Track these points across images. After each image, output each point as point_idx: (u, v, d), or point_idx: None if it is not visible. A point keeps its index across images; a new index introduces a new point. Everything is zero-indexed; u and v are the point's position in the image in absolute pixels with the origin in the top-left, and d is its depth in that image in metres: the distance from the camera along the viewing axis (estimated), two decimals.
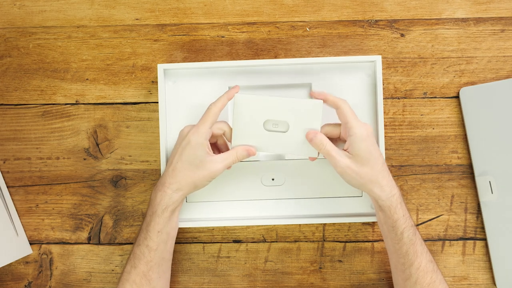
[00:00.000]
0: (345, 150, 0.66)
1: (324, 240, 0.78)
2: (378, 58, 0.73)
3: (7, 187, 0.78)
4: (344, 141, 0.68)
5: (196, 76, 0.76)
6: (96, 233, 0.78)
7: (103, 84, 0.79)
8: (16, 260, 0.78)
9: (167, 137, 0.75)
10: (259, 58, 0.78)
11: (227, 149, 0.71)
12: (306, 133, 0.67)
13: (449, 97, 0.77)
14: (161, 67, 0.74)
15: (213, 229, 0.78)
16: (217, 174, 0.66)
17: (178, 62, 0.78)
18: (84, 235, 0.79)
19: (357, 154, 0.65)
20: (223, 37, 0.78)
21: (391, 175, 0.67)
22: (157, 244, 0.67)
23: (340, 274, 0.77)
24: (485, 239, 0.77)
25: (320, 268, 0.78)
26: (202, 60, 0.78)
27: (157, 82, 0.78)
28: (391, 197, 0.65)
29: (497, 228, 0.75)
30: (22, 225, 0.78)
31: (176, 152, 0.67)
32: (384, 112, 0.77)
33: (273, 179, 0.75)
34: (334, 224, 0.77)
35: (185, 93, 0.76)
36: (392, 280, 0.77)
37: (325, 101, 0.67)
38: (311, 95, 0.68)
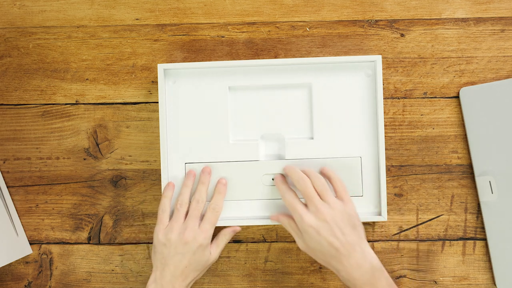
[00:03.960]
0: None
1: None
2: (378, 58, 0.73)
3: (7, 187, 0.79)
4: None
5: (196, 76, 0.76)
6: (96, 233, 0.78)
7: (103, 84, 0.79)
8: (16, 260, 0.78)
9: (167, 137, 0.75)
10: (259, 58, 0.78)
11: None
12: (270, 217, 0.73)
13: (449, 97, 0.77)
14: (161, 67, 0.74)
15: None
16: (217, 254, 0.73)
17: (178, 62, 0.78)
18: (84, 235, 0.79)
19: (307, 243, 0.67)
20: (223, 37, 0.78)
21: (356, 256, 0.65)
22: None
23: None
24: (485, 239, 0.77)
25: (320, 268, 0.78)
26: (202, 60, 0.78)
27: (157, 82, 0.78)
28: (348, 283, 0.65)
29: (497, 228, 0.75)
30: (22, 225, 0.79)
31: (183, 257, 0.69)
32: (384, 112, 0.77)
33: (273, 179, 0.75)
34: None
35: (186, 93, 0.76)
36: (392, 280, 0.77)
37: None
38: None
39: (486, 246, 0.77)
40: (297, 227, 0.68)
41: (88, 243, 0.79)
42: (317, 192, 0.68)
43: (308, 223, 0.65)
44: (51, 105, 0.79)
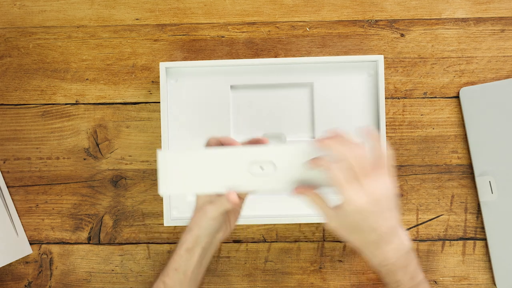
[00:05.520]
0: (336, 207, 0.58)
1: (324, 240, 0.78)
2: (380, 58, 0.73)
3: (7, 187, 0.78)
4: None
5: (198, 75, 0.76)
6: (96, 233, 0.78)
7: (103, 84, 0.79)
8: (16, 260, 0.78)
9: (169, 136, 0.75)
10: (259, 58, 0.78)
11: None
12: (295, 189, 0.61)
13: (449, 97, 0.77)
14: (163, 66, 0.74)
15: None
16: (210, 214, 0.63)
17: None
18: (84, 235, 0.78)
19: (345, 221, 0.58)
20: (223, 37, 0.78)
21: (393, 242, 0.59)
22: (173, 282, 0.65)
23: (340, 274, 0.78)
24: (485, 239, 0.77)
25: (320, 268, 0.78)
26: (202, 60, 0.78)
27: (157, 82, 0.78)
28: (381, 267, 0.60)
29: (497, 228, 0.75)
30: (22, 225, 0.78)
31: None
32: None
33: (261, 168, 0.63)
34: None
35: (187, 92, 0.76)
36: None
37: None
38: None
39: (486, 246, 0.77)
40: (326, 204, 0.60)
41: (88, 243, 0.79)
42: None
43: (359, 204, 0.55)
44: (51, 105, 0.79)
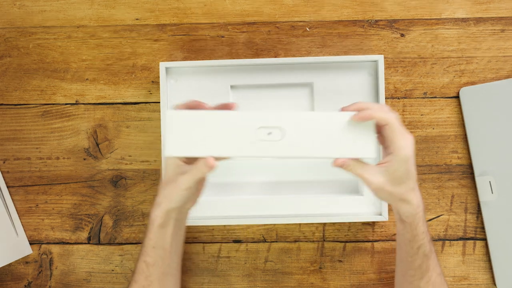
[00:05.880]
0: (381, 164, 0.62)
1: (324, 240, 0.78)
2: (380, 58, 0.74)
3: (7, 187, 0.78)
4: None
5: (198, 75, 0.76)
6: (96, 233, 0.78)
7: (103, 84, 0.79)
8: (16, 260, 0.78)
9: None
10: (259, 58, 0.78)
11: None
12: (334, 161, 0.61)
13: (449, 97, 0.77)
14: (163, 65, 0.74)
15: (213, 229, 0.78)
16: (184, 185, 0.61)
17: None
18: (84, 235, 0.78)
19: (394, 173, 0.61)
20: (223, 37, 0.78)
21: (418, 190, 0.64)
22: (155, 259, 0.65)
23: (340, 274, 0.78)
24: (485, 239, 0.77)
25: (320, 268, 0.78)
26: (202, 60, 0.78)
27: (157, 82, 0.78)
28: (415, 214, 0.63)
29: (497, 228, 0.75)
30: (22, 225, 0.78)
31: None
32: None
33: (269, 133, 0.61)
34: (334, 224, 0.77)
35: (187, 92, 0.76)
36: (392, 281, 0.77)
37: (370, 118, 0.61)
38: (352, 109, 0.61)
39: (486, 246, 0.77)
40: (368, 164, 0.62)
41: (88, 243, 0.79)
42: None
43: (411, 150, 0.61)
44: (51, 105, 0.79)
